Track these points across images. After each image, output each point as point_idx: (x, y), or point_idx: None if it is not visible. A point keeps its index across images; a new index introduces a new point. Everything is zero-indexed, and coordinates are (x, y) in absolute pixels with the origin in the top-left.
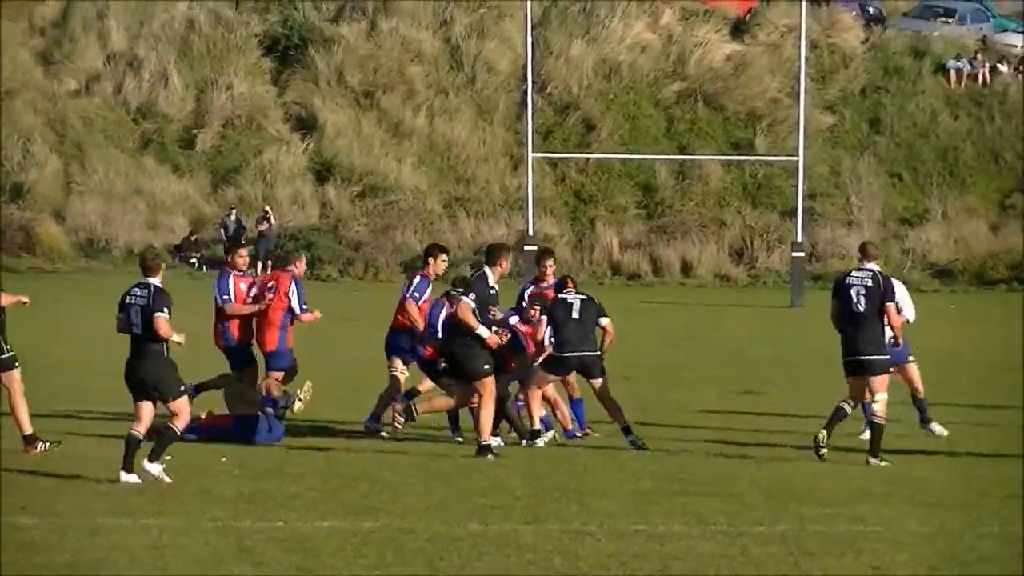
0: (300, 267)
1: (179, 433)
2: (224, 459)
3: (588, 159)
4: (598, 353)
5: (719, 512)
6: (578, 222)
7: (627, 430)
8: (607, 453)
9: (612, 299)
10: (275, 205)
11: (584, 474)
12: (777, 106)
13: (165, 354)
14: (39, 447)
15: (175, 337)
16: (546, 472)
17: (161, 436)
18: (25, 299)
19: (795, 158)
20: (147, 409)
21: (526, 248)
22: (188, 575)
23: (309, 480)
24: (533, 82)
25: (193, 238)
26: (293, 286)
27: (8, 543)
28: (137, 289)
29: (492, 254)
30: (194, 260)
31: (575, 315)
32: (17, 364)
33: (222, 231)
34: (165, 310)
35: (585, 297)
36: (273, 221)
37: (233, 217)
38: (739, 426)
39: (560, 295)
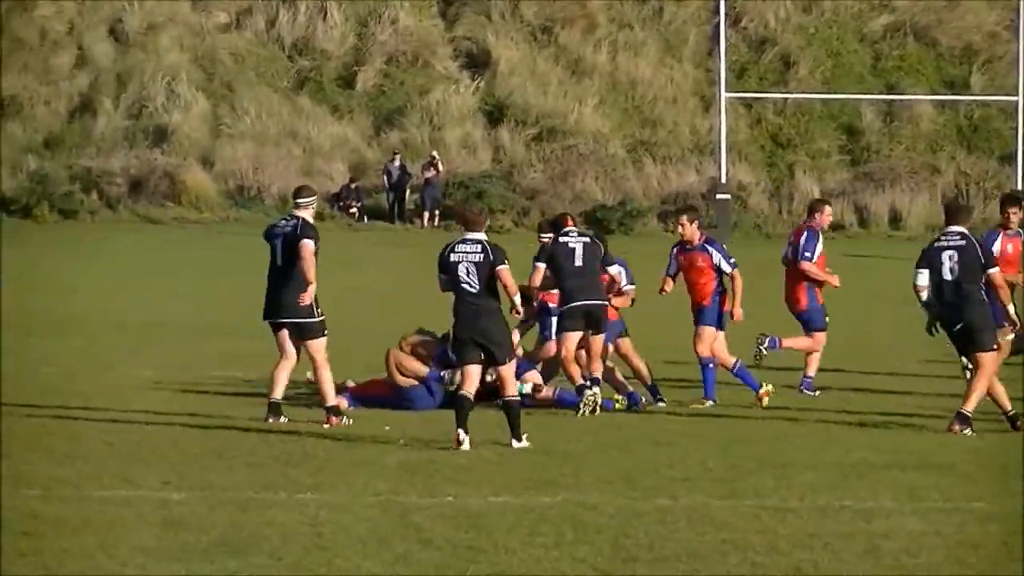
0: (821, 219)
1: (520, 400)
2: (387, 427)
3: (786, 99)
4: (605, 303)
5: (932, 487)
6: (775, 168)
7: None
8: (808, 422)
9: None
10: (443, 150)
11: (783, 445)
12: (995, 41)
13: (502, 313)
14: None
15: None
16: (741, 442)
17: (510, 411)
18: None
19: (1015, 98)
20: (476, 372)
21: (719, 197)
22: (347, 554)
23: (481, 451)
24: (726, 15)
25: (353, 186)
26: (804, 236)
27: (152, 519)
28: (465, 246)
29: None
30: (354, 210)
31: (578, 262)
32: (324, 332)
33: (385, 178)
34: (506, 263)
35: (588, 239)
36: (440, 167)
37: (397, 163)
38: (953, 392)
39: (560, 237)
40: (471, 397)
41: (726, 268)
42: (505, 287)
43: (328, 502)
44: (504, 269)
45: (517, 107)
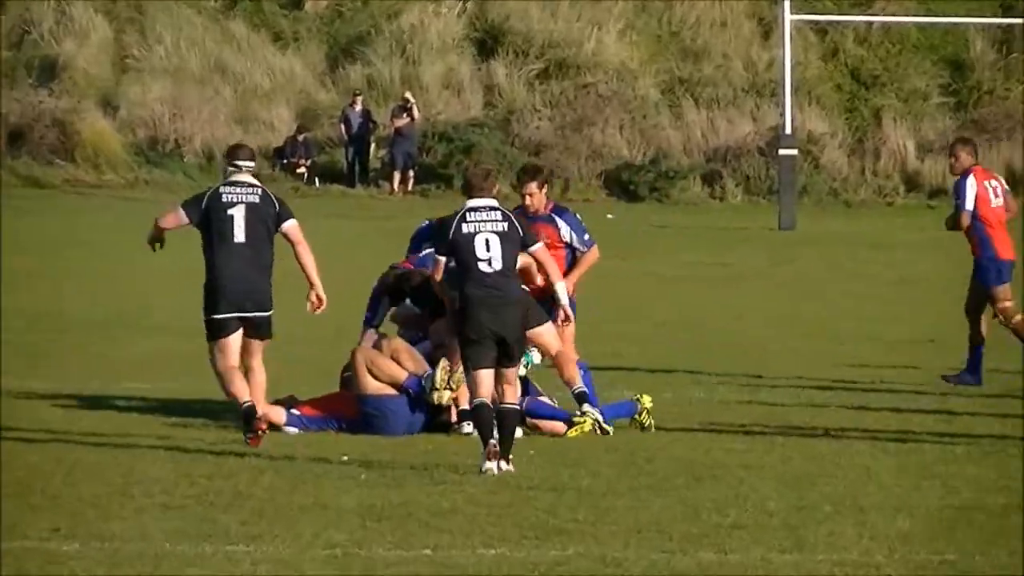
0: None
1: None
2: (345, 457)
3: (871, 23)
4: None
5: None
6: (856, 115)
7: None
8: (902, 449)
9: (905, 225)
10: (418, 91)
11: (867, 480)
12: None
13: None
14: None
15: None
16: (810, 477)
17: (504, 422)
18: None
19: None
20: (490, 378)
21: (781, 152)
22: None
23: (469, 488)
24: None
25: (301, 138)
26: None
27: None
28: (480, 214)
29: None
30: (302, 169)
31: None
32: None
33: (342, 127)
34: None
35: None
36: (416, 113)
37: (358, 108)
38: None
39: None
40: (490, 404)
41: (579, 246)
42: (545, 270)
43: (268, 556)
44: (542, 249)
45: (517, 33)
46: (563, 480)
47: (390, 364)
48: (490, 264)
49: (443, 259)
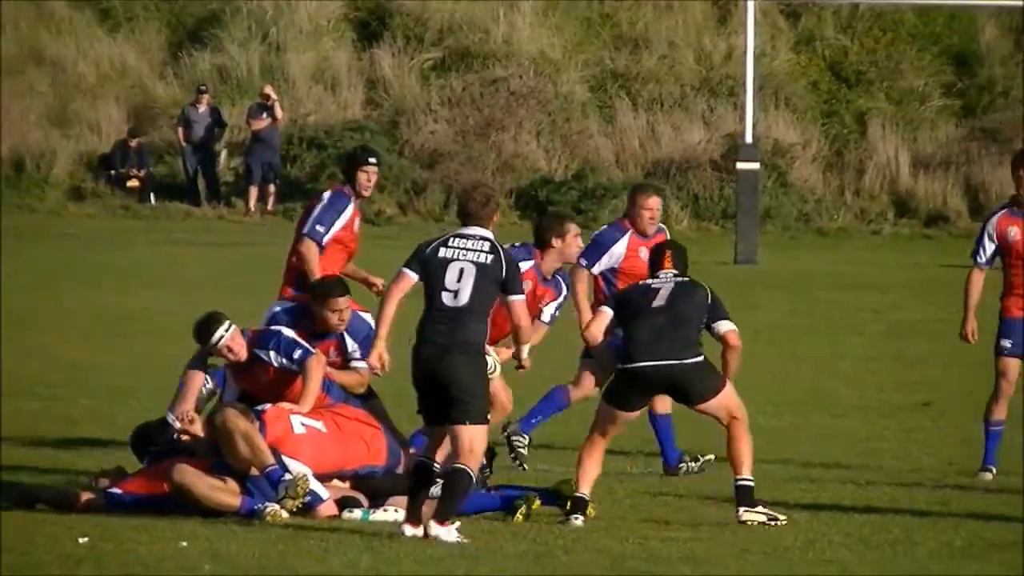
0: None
1: (473, 477)
2: (184, 543)
3: (856, 5)
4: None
5: None
6: (836, 121)
7: None
8: (886, 541)
9: (895, 261)
10: (282, 85)
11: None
12: None
13: (484, 356)
14: None
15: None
16: (771, 574)
17: (452, 480)
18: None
19: None
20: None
21: (741, 167)
22: None
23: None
24: None
25: (134, 143)
26: None
27: None
28: (465, 241)
29: None
30: (135, 182)
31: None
32: None
33: (181, 131)
34: (523, 293)
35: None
36: (279, 114)
37: (204, 107)
38: None
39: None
40: (433, 463)
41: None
42: (517, 327)
43: None
44: (520, 301)
45: (407, 14)
46: None
47: (263, 446)
48: (456, 297)
49: (407, 274)
